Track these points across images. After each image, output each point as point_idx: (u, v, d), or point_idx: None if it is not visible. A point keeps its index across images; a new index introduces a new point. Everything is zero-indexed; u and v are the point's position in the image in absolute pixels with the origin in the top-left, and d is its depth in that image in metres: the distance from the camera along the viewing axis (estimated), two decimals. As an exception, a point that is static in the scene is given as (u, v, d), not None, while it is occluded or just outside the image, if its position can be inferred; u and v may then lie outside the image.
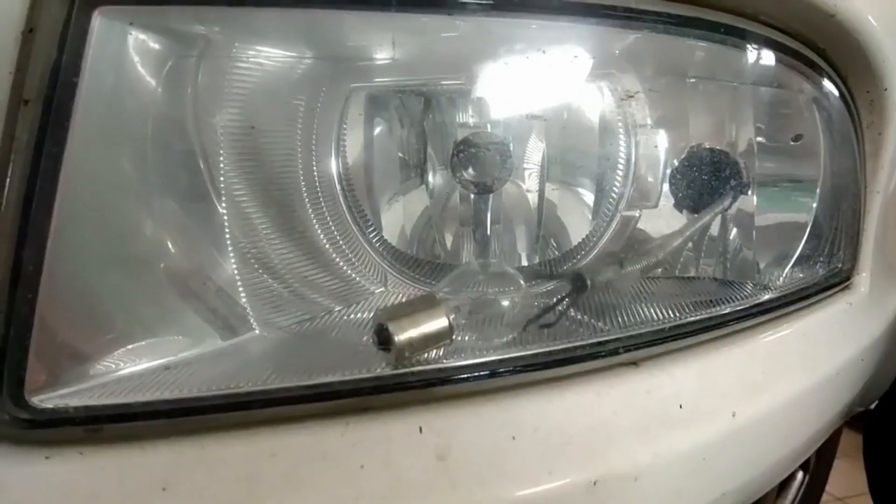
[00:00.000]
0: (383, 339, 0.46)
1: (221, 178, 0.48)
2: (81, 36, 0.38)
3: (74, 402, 0.41)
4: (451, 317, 0.48)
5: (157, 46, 0.42)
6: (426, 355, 0.47)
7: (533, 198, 0.65)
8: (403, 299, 0.58)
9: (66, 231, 0.39)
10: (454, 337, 0.48)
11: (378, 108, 0.62)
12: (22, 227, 0.38)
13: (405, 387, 0.46)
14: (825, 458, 1.02)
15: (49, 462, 0.39)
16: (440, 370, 0.47)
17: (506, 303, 0.57)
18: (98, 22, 0.38)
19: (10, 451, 0.39)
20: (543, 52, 0.50)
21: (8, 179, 0.38)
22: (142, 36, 0.41)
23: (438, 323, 0.47)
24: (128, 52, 0.41)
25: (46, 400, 0.40)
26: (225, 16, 0.44)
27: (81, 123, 0.38)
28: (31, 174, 0.38)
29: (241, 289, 0.49)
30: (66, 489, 0.39)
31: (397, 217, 0.65)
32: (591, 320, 0.55)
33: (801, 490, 0.99)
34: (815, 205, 0.65)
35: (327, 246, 0.59)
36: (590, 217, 0.65)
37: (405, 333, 0.46)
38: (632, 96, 0.55)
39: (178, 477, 0.40)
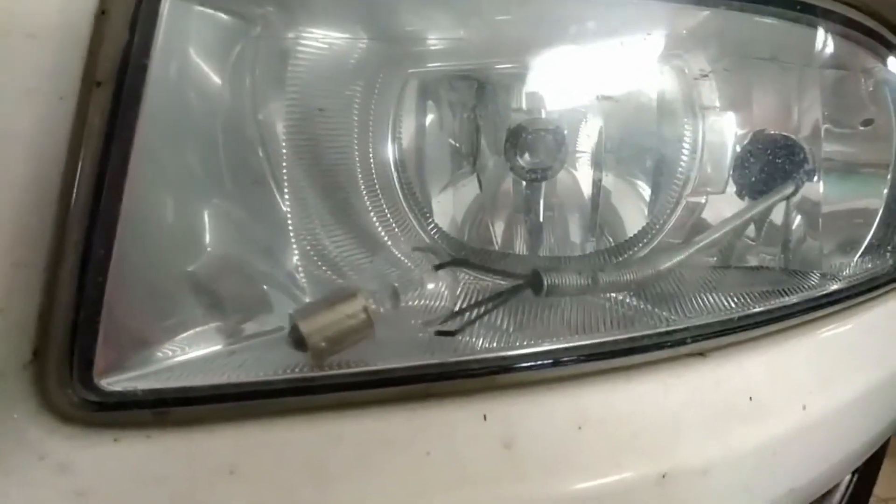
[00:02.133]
0: (297, 339, 0.43)
1: (284, 165, 0.47)
2: (152, 17, 0.37)
3: (142, 385, 0.41)
4: (371, 307, 0.45)
5: (224, 28, 0.42)
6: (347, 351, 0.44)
7: (588, 185, 0.64)
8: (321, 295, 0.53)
9: (135, 215, 0.39)
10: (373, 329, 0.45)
11: (433, 94, 0.61)
12: (93, 211, 0.38)
13: (468, 374, 0.45)
14: (874, 458, 0.99)
15: (118, 444, 0.40)
16: (503, 358, 0.46)
17: (431, 285, 0.53)
18: (168, 3, 0.38)
19: (80, 434, 0.40)
20: (616, 31, 0.48)
21: (80, 163, 0.38)
22: (212, 16, 0.41)
23: (354, 316, 0.44)
24: (196, 34, 0.41)
25: (115, 383, 0.41)
26: (291, -3, 0.44)
27: (152, 106, 0.38)
28: (103, 158, 0.38)
29: (301, 274, 0.49)
30: (135, 472, 0.39)
31: (449, 205, 0.65)
32: (654, 309, 0.54)
33: (849, 491, 0.96)
34: (885, 191, 0.63)
35: (382, 234, 0.59)
36: (646, 206, 0.63)
37: (317, 330, 0.43)
38: (705, 75, 0.54)
39: (246, 460, 0.40)
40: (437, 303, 0.50)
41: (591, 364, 0.47)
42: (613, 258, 0.62)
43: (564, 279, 0.51)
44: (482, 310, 0.50)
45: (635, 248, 0.61)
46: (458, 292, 0.53)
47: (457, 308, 0.51)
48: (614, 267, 0.52)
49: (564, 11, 0.49)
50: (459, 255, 0.63)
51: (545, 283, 0.51)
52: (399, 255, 0.60)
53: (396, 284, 0.48)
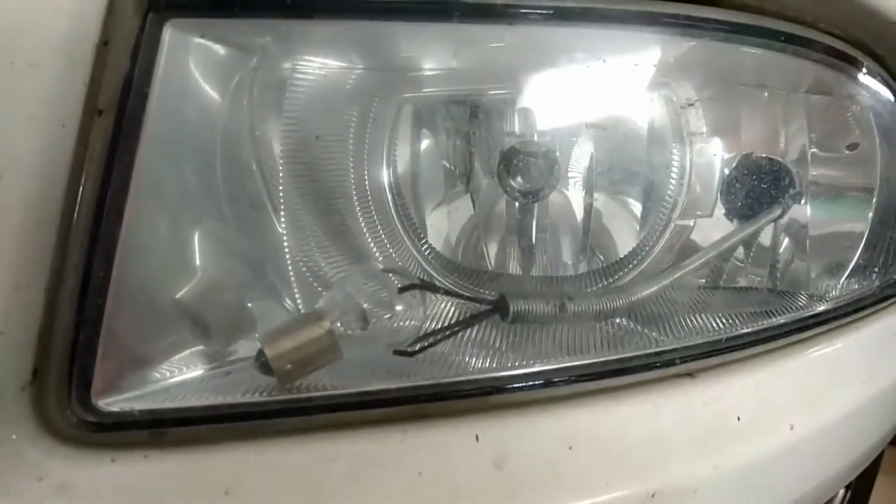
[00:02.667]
0: (264, 363, 0.43)
1: (280, 189, 0.48)
2: (153, 48, 0.39)
3: (139, 405, 0.42)
4: (337, 329, 0.45)
5: (223, 58, 0.43)
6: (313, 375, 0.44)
7: (580, 206, 0.65)
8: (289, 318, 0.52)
9: (135, 239, 0.40)
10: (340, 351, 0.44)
11: (427, 118, 0.62)
12: (93, 234, 0.39)
13: (461, 395, 0.46)
14: (868, 474, 1.00)
15: (115, 465, 0.40)
16: (496, 379, 0.47)
17: (399, 307, 0.51)
18: (169, 34, 0.39)
19: (78, 454, 0.40)
20: (604, 61, 0.50)
21: (81, 188, 0.39)
22: (210, 48, 0.42)
23: (319, 339, 0.44)
24: (196, 64, 0.42)
25: (112, 403, 0.41)
26: (288, 27, 0.45)
27: (152, 133, 0.39)
28: (103, 183, 0.39)
29: (297, 296, 0.50)
30: (132, 492, 0.40)
31: (444, 226, 0.66)
32: (644, 329, 0.54)
33: (843, 506, 0.97)
34: (871, 214, 0.64)
35: (378, 255, 0.60)
36: (638, 227, 0.65)
37: (282, 354, 0.43)
38: (692, 104, 0.55)
39: (241, 481, 0.40)
40: (407, 323, 0.51)
41: (581, 385, 0.48)
42: (604, 280, 0.63)
43: (531, 306, 0.51)
44: (446, 334, 0.50)
45: (625, 270, 0.62)
46: (426, 313, 0.53)
47: (421, 332, 0.50)
48: (585, 296, 0.52)
49: (555, 40, 0.50)
50: (452, 274, 0.64)
51: (511, 309, 0.50)
52: (393, 277, 0.61)
53: (365, 306, 0.48)
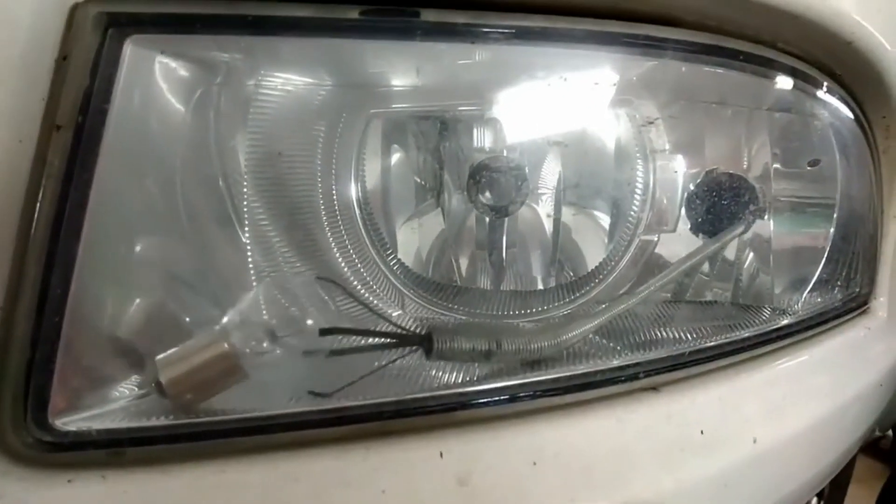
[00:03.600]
0: (161, 389, 0.42)
1: (245, 204, 0.48)
2: (113, 64, 0.38)
3: (97, 425, 0.41)
4: (242, 350, 0.43)
5: (186, 75, 0.43)
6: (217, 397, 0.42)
7: (549, 222, 0.66)
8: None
9: (93, 255, 0.40)
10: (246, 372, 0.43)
11: (396, 133, 0.62)
12: (50, 251, 0.39)
13: (425, 411, 0.46)
14: (840, 484, 1.01)
15: (72, 486, 0.40)
16: (460, 394, 0.47)
17: (310, 321, 0.49)
18: (130, 50, 0.39)
19: (33, 475, 0.40)
20: (565, 79, 0.50)
21: (38, 204, 0.38)
22: (171, 64, 0.42)
23: (216, 361, 0.42)
24: (157, 81, 0.42)
25: (69, 423, 0.41)
26: (252, 44, 0.45)
27: (111, 149, 0.39)
28: (61, 199, 0.38)
29: (263, 311, 0.49)
30: (89, 513, 0.39)
31: (414, 241, 0.66)
32: (609, 343, 0.55)
33: (815, 515, 0.98)
34: (832, 230, 0.65)
35: (346, 270, 0.59)
36: (606, 241, 0.65)
37: (178, 379, 0.41)
38: (652, 122, 0.56)
39: (201, 502, 0.40)
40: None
41: (546, 399, 0.48)
42: (572, 294, 0.64)
43: (458, 344, 0.48)
44: (367, 373, 0.48)
45: (591, 284, 0.62)
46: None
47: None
48: (515, 338, 0.50)
49: (517, 58, 0.51)
50: (421, 289, 0.64)
51: (435, 347, 0.48)
52: (362, 291, 0.61)
53: (274, 322, 0.47)
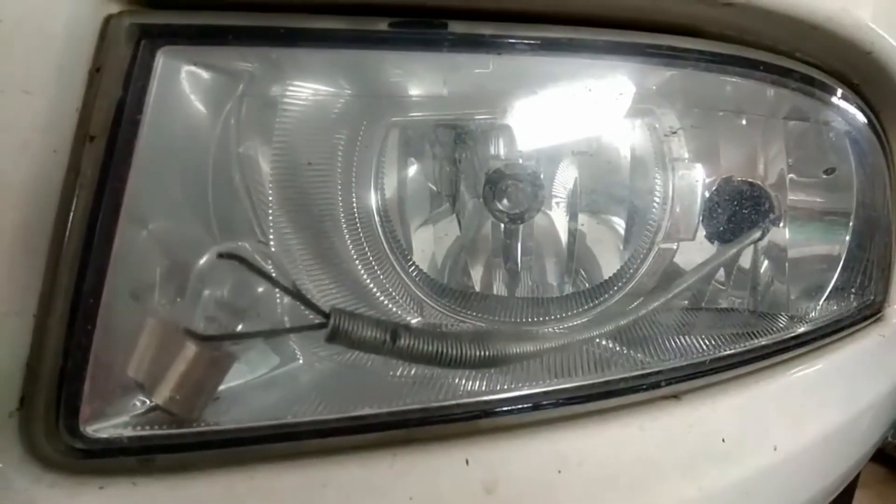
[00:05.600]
0: (162, 409, 0.42)
1: (270, 214, 0.49)
2: (146, 75, 0.39)
3: (127, 432, 0.41)
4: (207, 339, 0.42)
5: (215, 85, 0.44)
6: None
7: (564, 230, 0.66)
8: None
9: (126, 264, 0.40)
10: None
11: (414, 142, 0.63)
12: (83, 261, 0.39)
13: (450, 419, 0.46)
14: (847, 489, 1.01)
15: (103, 492, 0.40)
16: (485, 402, 0.47)
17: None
18: (161, 61, 0.39)
19: (65, 482, 0.40)
20: (589, 89, 0.51)
21: (71, 213, 0.39)
22: (202, 75, 0.42)
23: (197, 359, 0.42)
24: (188, 91, 0.42)
25: (100, 430, 0.41)
26: (281, 54, 0.45)
27: (143, 160, 0.39)
28: (94, 208, 0.39)
29: (286, 321, 0.50)
30: (120, 519, 0.40)
31: (430, 248, 0.66)
32: (629, 352, 0.55)
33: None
34: (848, 237, 0.65)
35: (366, 278, 0.60)
36: (622, 249, 0.66)
37: (171, 396, 0.41)
38: (675, 132, 0.56)
39: (231, 508, 0.40)
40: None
41: (569, 408, 0.48)
42: (590, 301, 0.64)
43: (358, 329, 0.44)
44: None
45: (610, 292, 0.63)
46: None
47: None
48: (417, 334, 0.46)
49: (542, 68, 0.51)
50: (439, 296, 0.65)
51: (332, 324, 0.44)
52: (382, 299, 0.61)
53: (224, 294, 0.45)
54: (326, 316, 0.44)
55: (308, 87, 0.51)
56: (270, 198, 0.50)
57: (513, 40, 0.44)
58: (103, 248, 0.39)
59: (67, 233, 0.39)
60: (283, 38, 0.41)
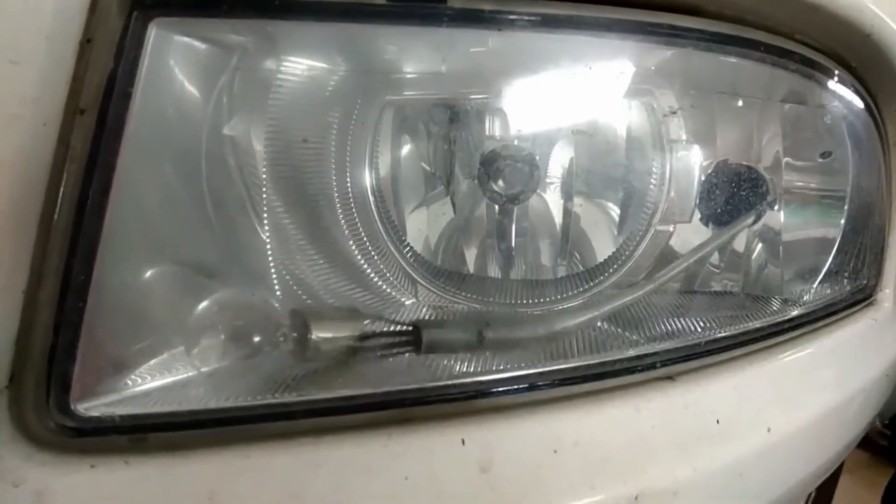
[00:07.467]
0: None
1: (264, 192, 0.48)
2: (138, 47, 0.38)
3: (119, 410, 0.41)
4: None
5: (208, 58, 0.43)
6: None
7: (559, 210, 0.66)
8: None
9: (116, 240, 0.40)
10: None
11: (410, 121, 0.62)
12: (73, 236, 0.38)
13: (446, 399, 0.46)
14: (832, 475, 1.02)
15: (94, 471, 0.39)
16: (480, 382, 0.47)
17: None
18: (154, 33, 0.38)
19: (56, 460, 0.39)
20: (590, 68, 0.50)
21: (61, 188, 0.38)
22: (195, 47, 0.42)
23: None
24: (181, 64, 0.41)
25: (92, 408, 0.40)
26: (276, 27, 0.44)
27: (135, 134, 0.38)
28: (85, 183, 0.38)
29: (280, 297, 0.49)
30: (112, 499, 0.39)
31: (424, 229, 0.66)
32: (625, 333, 0.55)
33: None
34: (843, 221, 0.66)
35: (360, 258, 0.59)
36: (616, 232, 0.65)
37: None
38: (674, 112, 0.56)
39: (225, 486, 0.40)
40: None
41: (565, 388, 0.48)
42: (585, 284, 0.64)
43: (446, 335, 0.48)
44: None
45: (606, 274, 0.63)
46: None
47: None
48: (504, 324, 0.50)
49: (542, 46, 0.50)
50: (434, 277, 0.64)
51: (423, 340, 0.48)
52: (377, 280, 0.61)
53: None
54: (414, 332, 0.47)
55: (303, 62, 0.50)
56: (264, 175, 0.49)
57: (513, 16, 0.44)
58: (94, 223, 0.38)
59: (58, 208, 0.38)
60: (278, 11, 0.40)
